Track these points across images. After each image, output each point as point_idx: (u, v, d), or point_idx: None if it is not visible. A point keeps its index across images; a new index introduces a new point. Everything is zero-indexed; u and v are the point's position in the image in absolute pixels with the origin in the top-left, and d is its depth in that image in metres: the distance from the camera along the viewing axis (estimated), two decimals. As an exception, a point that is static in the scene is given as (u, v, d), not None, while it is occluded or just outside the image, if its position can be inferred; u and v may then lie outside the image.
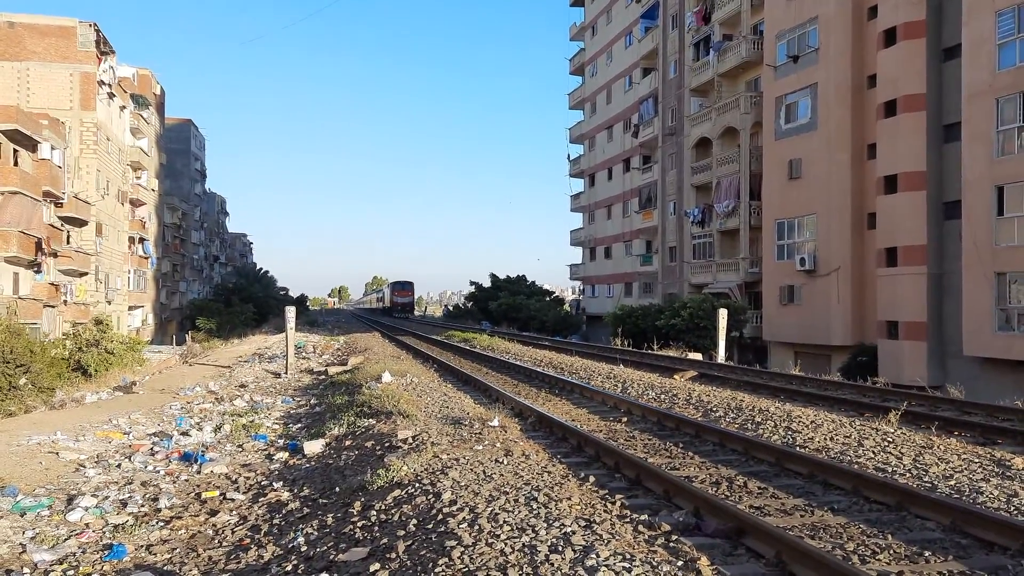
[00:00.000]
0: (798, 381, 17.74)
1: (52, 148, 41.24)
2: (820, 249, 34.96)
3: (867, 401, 14.08)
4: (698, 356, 25.99)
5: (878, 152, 31.97)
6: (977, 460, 8.84)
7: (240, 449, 13.82)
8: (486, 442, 10.07)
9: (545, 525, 6.23)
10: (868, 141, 33.41)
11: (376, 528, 7.27)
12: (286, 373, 26.30)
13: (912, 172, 30.31)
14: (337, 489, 9.44)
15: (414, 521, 6.96)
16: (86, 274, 46.27)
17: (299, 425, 16.05)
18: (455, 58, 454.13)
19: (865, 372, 27.10)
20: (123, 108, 56.02)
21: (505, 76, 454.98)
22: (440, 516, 6.82)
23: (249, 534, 8.52)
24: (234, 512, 9.57)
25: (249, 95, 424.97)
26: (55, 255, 41.59)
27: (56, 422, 16.90)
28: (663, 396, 14.80)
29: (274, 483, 10.78)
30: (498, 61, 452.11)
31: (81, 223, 45.89)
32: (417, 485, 8.08)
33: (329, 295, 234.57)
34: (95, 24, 47.26)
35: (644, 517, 6.79)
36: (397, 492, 8.07)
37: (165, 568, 7.66)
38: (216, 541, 8.46)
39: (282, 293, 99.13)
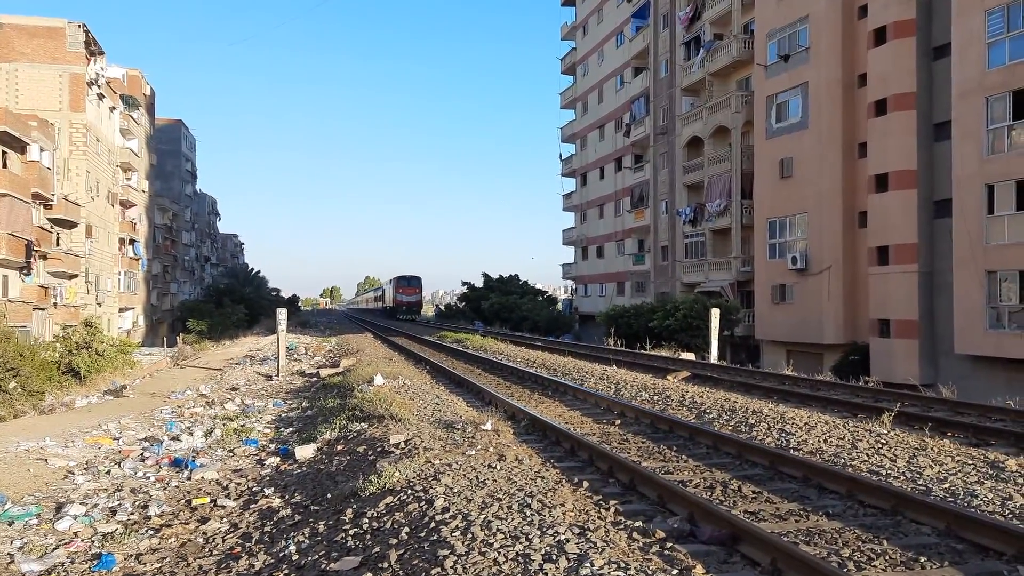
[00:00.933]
0: (791, 381, 17.73)
1: (41, 150, 40.98)
2: (812, 248, 35.02)
3: (860, 401, 14.08)
4: (691, 356, 26.00)
5: (869, 151, 32.03)
6: (971, 462, 8.83)
7: (231, 454, 13.71)
8: (479, 446, 10.01)
9: (539, 533, 6.17)
10: (859, 140, 33.48)
11: (368, 536, 7.20)
12: (277, 375, 26.18)
13: (903, 171, 30.38)
14: (329, 495, 9.36)
15: (406, 529, 6.90)
16: (76, 276, 46.02)
17: (291, 429, 15.94)
18: (446, 58, 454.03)
19: (857, 371, 27.15)
20: (113, 109, 55.73)
21: (497, 75, 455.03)
22: (433, 524, 6.76)
23: (240, 542, 8.43)
24: (225, 519, 9.48)
25: (239, 96, 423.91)
26: (45, 257, 41.35)
27: (46, 427, 16.75)
28: (656, 398, 14.77)
29: (265, 489, 10.69)
30: (490, 60, 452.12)
31: (71, 225, 45.63)
32: (409, 491, 8.01)
33: (321, 295, 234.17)
34: (84, 25, 46.98)
35: (639, 524, 6.75)
36: (389, 499, 8.00)
37: (155, 578, 7.57)
38: (206, 550, 8.37)
39: (273, 294, 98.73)
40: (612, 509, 7.27)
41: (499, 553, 5.78)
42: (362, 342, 37.62)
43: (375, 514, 7.72)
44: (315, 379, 23.92)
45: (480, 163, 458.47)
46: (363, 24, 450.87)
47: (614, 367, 21.10)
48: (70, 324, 38.40)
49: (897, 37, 30.54)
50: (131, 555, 8.36)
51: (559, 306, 72.84)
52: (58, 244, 43.90)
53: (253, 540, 8.41)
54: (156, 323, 70.55)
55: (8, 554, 8.45)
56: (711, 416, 12.51)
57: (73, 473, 12.40)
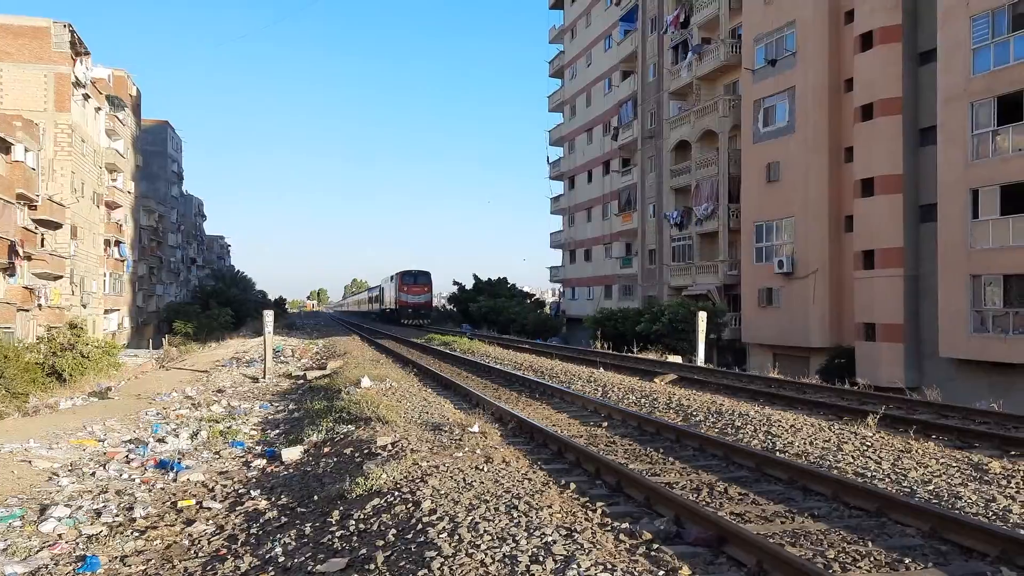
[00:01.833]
0: (777, 384, 17.81)
1: (26, 150, 40.62)
2: (798, 251, 35.20)
3: (845, 404, 14.15)
4: (678, 359, 26.07)
5: (855, 155, 32.24)
6: (955, 464, 8.89)
7: (217, 456, 13.64)
8: (466, 448, 10.01)
9: (526, 534, 6.18)
10: (845, 144, 33.69)
11: (355, 538, 7.19)
12: (264, 378, 26.05)
13: (889, 175, 30.60)
14: (315, 497, 9.34)
15: (393, 531, 6.89)
16: (61, 277, 45.66)
17: (277, 431, 15.87)
18: (434, 59, 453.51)
19: (843, 373, 27.28)
20: (98, 109, 55.38)
21: (485, 77, 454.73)
22: (420, 526, 6.76)
23: (226, 544, 8.39)
24: (211, 521, 9.43)
25: (226, 97, 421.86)
26: (29, 258, 40.99)
27: (29, 429, 16.60)
28: (643, 400, 14.80)
29: (252, 491, 10.64)
30: (478, 62, 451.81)
31: (56, 226, 45.27)
32: (396, 493, 8.00)
33: (308, 298, 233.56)
34: (70, 24, 46.64)
35: (625, 525, 6.76)
36: (376, 501, 7.99)
37: (139, 580, 7.52)
38: (192, 552, 8.33)
39: (260, 296, 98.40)
40: (599, 511, 7.28)
41: (486, 555, 5.79)
42: (349, 345, 37.52)
43: (362, 516, 7.70)
44: (302, 381, 23.83)
45: (469, 165, 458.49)
46: (350, 26, 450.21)
47: (601, 370, 21.14)
48: (55, 326, 38.08)
49: (883, 43, 30.77)
50: (116, 557, 8.31)
51: (547, 309, 72.89)
52: (43, 245, 43.54)
53: (239, 542, 8.37)
54: (142, 325, 70.12)
55: (-9, 557, 8.38)
56: (698, 419, 12.55)
57: (57, 475, 12.31)
